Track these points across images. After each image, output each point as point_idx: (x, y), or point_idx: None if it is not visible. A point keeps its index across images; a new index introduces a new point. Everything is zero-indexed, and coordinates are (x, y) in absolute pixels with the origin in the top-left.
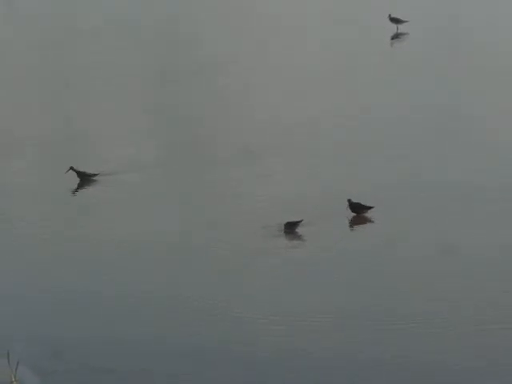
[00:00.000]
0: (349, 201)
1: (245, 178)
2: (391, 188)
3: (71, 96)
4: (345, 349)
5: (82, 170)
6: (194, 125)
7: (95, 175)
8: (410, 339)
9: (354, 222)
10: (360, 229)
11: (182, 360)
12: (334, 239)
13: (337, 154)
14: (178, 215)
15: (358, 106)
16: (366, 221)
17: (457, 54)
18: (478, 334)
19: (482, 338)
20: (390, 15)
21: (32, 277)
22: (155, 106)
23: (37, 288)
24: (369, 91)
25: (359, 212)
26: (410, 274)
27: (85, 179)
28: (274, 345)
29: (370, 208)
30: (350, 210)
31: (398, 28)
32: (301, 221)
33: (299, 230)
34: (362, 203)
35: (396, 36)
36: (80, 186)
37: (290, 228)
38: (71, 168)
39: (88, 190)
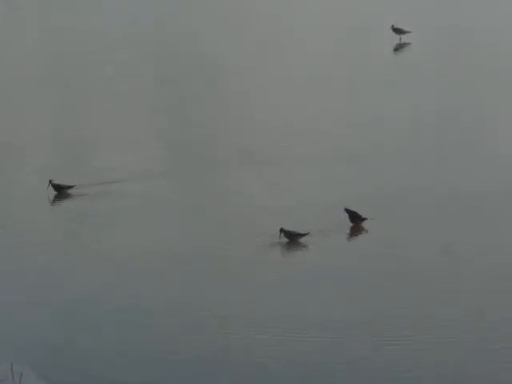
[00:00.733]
0: (346, 210)
1: (247, 185)
2: (392, 195)
3: (70, 98)
4: (346, 358)
5: (58, 182)
6: (194, 126)
7: (71, 187)
8: (409, 352)
9: (353, 232)
10: (359, 238)
11: (178, 370)
12: (333, 248)
13: (337, 159)
14: (178, 223)
15: (358, 111)
16: (364, 230)
17: (461, 62)
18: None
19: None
20: (393, 26)
21: (36, 288)
22: (155, 107)
23: (39, 299)
24: (370, 98)
25: (357, 221)
26: (413, 285)
27: (62, 192)
28: (275, 355)
29: (365, 219)
30: (348, 219)
31: (400, 38)
32: (306, 234)
33: (302, 239)
34: (359, 212)
35: (399, 46)
36: (58, 197)
37: (291, 237)
38: (50, 182)
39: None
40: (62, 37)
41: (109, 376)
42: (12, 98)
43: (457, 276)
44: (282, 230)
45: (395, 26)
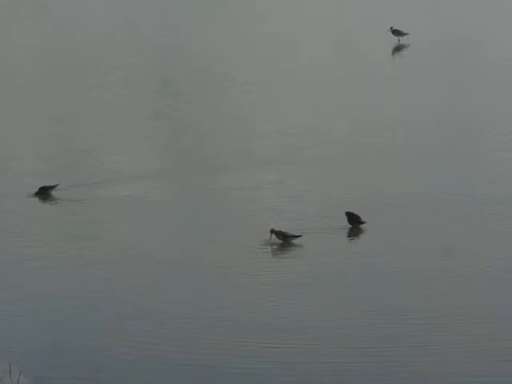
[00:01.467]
0: (347, 213)
1: (244, 187)
2: (393, 198)
3: (65, 100)
4: (343, 364)
5: (42, 184)
6: (191, 129)
7: (54, 187)
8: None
9: (350, 235)
10: (356, 241)
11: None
12: (330, 252)
13: (337, 163)
14: (169, 225)
15: (358, 114)
16: (363, 233)
17: (459, 64)
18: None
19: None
20: (391, 27)
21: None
22: (152, 110)
23: (30, 304)
24: (370, 100)
25: (356, 224)
26: (410, 290)
27: (46, 193)
28: (272, 358)
29: (364, 222)
30: (348, 222)
31: (399, 40)
32: (299, 236)
33: (295, 241)
34: (359, 215)
35: (397, 48)
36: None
37: (283, 239)
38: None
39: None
40: (63, 41)
41: (107, 378)
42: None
43: (456, 278)
44: (272, 231)
45: (394, 28)
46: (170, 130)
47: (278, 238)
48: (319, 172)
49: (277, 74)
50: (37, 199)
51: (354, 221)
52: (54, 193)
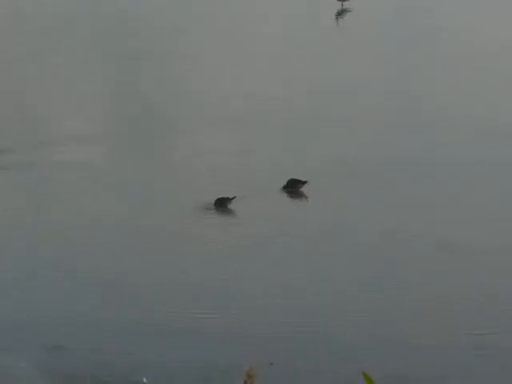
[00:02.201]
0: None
1: (186, 152)
2: (334, 165)
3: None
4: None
5: None
6: (149, 98)
7: None
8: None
9: (290, 198)
10: (296, 206)
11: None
12: (268, 216)
13: (287, 128)
14: (114, 193)
15: (307, 80)
16: (302, 196)
17: (406, 30)
18: None
19: None
20: None
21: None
22: (111, 81)
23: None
24: (319, 65)
25: (295, 187)
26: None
27: None
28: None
29: (304, 182)
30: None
31: (342, 5)
32: (233, 198)
33: (232, 206)
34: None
35: (340, 13)
36: None
37: (222, 205)
38: None
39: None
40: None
41: (111, 371)
42: None
43: (403, 245)
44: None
45: None
46: (124, 99)
47: (217, 205)
48: (267, 138)
49: (232, 44)
50: None
51: (295, 183)
52: None
